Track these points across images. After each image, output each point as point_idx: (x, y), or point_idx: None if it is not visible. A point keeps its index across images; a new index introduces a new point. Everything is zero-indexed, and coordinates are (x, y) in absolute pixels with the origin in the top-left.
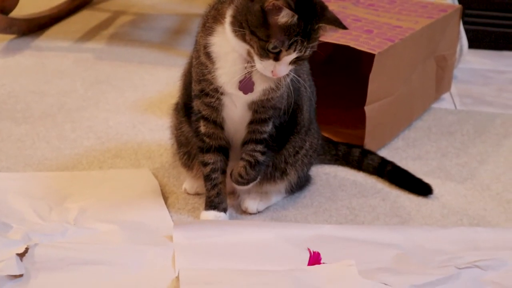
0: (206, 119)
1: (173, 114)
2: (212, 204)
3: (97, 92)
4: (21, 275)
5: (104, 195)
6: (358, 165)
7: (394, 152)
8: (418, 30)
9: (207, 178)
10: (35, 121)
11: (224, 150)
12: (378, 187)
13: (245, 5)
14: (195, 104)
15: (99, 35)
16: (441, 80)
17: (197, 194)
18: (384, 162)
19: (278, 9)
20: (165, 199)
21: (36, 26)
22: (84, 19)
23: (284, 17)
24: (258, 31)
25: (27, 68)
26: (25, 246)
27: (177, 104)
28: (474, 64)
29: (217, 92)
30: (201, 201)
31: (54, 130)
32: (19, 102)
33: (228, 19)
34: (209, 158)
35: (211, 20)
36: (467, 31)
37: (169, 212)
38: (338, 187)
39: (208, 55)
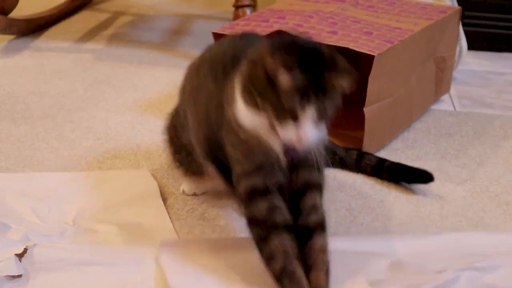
0: (261, 193)
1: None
2: None
3: (96, 93)
4: (20, 276)
5: (103, 196)
6: (357, 166)
7: (393, 153)
8: (417, 32)
9: (282, 274)
10: (35, 121)
11: (287, 225)
12: (377, 188)
13: (250, 70)
14: (242, 186)
15: (98, 35)
16: (440, 82)
17: (194, 195)
18: (382, 160)
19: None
20: (164, 200)
21: (35, 27)
22: (84, 19)
23: (284, 81)
24: (267, 95)
25: (26, 69)
26: (24, 247)
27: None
28: (473, 65)
29: (272, 160)
30: (200, 202)
31: (54, 130)
32: (19, 103)
33: (237, 88)
34: (277, 244)
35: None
36: (466, 33)
37: (168, 213)
38: (337, 188)
39: (247, 131)
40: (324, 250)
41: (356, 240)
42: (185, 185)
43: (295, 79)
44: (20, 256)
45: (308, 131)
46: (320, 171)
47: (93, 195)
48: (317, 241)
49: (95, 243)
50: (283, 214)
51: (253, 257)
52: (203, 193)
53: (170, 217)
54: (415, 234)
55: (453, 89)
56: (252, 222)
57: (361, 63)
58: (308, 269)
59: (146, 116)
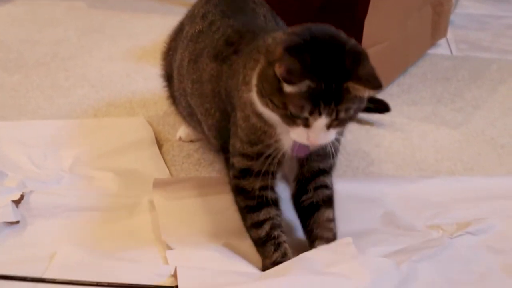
0: (257, 174)
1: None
2: None
3: (90, 41)
4: (17, 222)
5: (99, 143)
6: None
7: (389, 98)
8: None
9: (267, 238)
10: (28, 70)
11: (276, 202)
12: (373, 133)
13: (263, 71)
14: (237, 161)
15: None
16: (437, 26)
17: (191, 141)
18: None
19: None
20: (160, 146)
21: None
22: None
23: (288, 89)
24: (274, 99)
25: (18, 17)
26: (21, 193)
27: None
28: (470, 9)
29: (278, 153)
30: (196, 148)
31: (48, 79)
32: (12, 52)
33: (253, 87)
34: (265, 213)
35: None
36: None
37: (164, 159)
38: None
39: (261, 118)
40: (331, 220)
41: (351, 182)
42: (182, 131)
43: (301, 88)
44: (17, 202)
45: (320, 136)
46: (333, 157)
47: (89, 143)
48: (324, 212)
49: (91, 190)
50: (274, 192)
51: None
52: (199, 140)
53: (166, 163)
54: (409, 178)
55: (450, 33)
56: (241, 192)
57: (357, 5)
58: (312, 239)
59: (140, 64)
